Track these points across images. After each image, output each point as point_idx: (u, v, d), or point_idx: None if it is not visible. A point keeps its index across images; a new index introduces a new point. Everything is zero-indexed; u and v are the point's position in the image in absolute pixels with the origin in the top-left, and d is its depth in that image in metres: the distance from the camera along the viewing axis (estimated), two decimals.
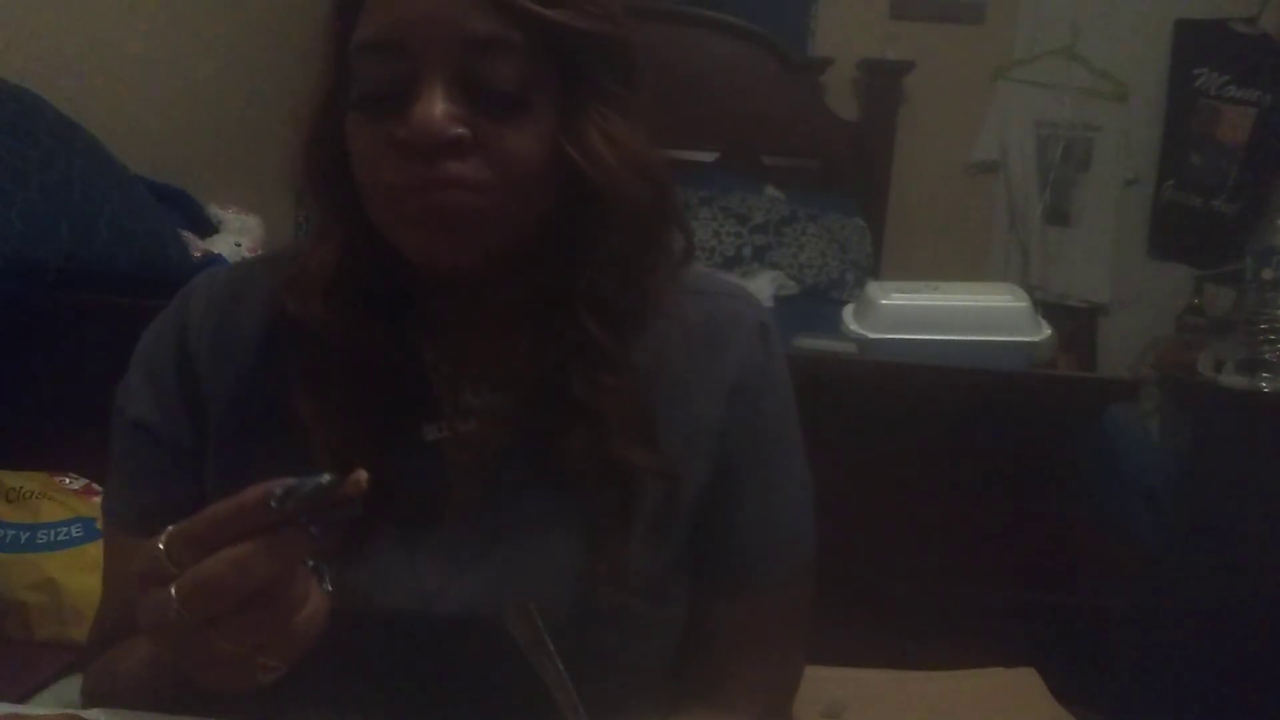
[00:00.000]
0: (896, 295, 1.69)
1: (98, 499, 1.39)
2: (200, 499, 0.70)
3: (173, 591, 0.50)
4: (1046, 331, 1.67)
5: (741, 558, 0.74)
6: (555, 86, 0.64)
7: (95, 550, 1.33)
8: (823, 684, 0.80)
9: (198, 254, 1.85)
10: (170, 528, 0.52)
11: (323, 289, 0.66)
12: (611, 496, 0.67)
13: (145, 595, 0.52)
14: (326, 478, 0.50)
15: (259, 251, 2.02)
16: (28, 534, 1.33)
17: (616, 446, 0.66)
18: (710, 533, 0.73)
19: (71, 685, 1.26)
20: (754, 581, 0.74)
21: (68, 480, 1.41)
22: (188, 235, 1.89)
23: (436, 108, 0.60)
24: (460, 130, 0.60)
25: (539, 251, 0.67)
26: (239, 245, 2.03)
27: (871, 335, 1.65)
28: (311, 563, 0.54)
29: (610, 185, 0.64)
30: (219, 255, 1.90)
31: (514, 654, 0.59)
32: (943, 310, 1.67)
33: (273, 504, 0.50)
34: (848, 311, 1.76)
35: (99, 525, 1.35)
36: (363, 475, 0.51)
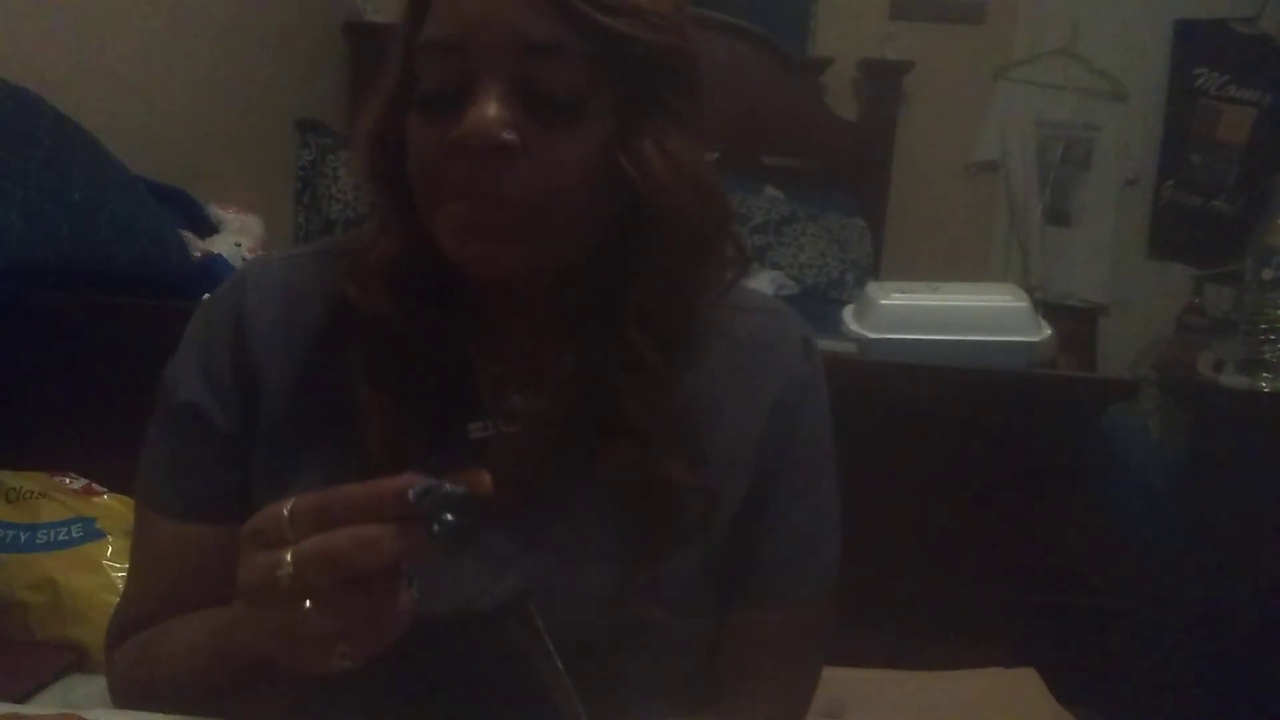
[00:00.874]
0: (896, 295, 1.69)
1: (98, 499, 1.39)
2: (243, 486, 0.71)
3: (288, 556, 0.51)
4: (1046, 331, 1.67)
5: (768, 569, 0.74)
6: (613, 97, 0.63)
7: (95, 550, 1.33)
8: (823, 684, 0.80)
9: (198, 254, 1.85)
10: (295, 497, 0.53)
11: (384, 279, 0.67)
12: (651, 511, 0.68)
13: (253, 555, 0.53)
14: (462, 489, 0.51)
15: (259, 252, 2.02)
16: (28, 534, 1.33)
17: (659, 463, 0.67)
18: (740, 543, 0.73)
19: (71, 685, 1.26)
20: (778, 593, 0.74)
21: (68, 480, 1.41)
22: (188, 235, 1.89)
23: (490, 110, 0.60)
24: (510, 136, 0.60)
25: (591, 263, 0.67)
26: (239, 245, 2.03)
27: (871, 335, 1.65)
28: (404, 565, 0.55)
29: (663, 200, 0.64)
30: (219, 255, 1.89)
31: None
32: (943, 310, 1.67)
33: (411, 498, 0.51)
34: (848, 311, 1.75)
35: (99, 525, 1.35)
36: (487, 479, 0.52)
